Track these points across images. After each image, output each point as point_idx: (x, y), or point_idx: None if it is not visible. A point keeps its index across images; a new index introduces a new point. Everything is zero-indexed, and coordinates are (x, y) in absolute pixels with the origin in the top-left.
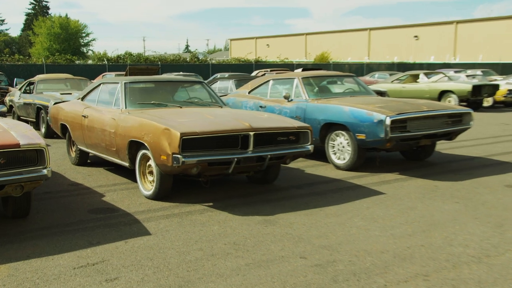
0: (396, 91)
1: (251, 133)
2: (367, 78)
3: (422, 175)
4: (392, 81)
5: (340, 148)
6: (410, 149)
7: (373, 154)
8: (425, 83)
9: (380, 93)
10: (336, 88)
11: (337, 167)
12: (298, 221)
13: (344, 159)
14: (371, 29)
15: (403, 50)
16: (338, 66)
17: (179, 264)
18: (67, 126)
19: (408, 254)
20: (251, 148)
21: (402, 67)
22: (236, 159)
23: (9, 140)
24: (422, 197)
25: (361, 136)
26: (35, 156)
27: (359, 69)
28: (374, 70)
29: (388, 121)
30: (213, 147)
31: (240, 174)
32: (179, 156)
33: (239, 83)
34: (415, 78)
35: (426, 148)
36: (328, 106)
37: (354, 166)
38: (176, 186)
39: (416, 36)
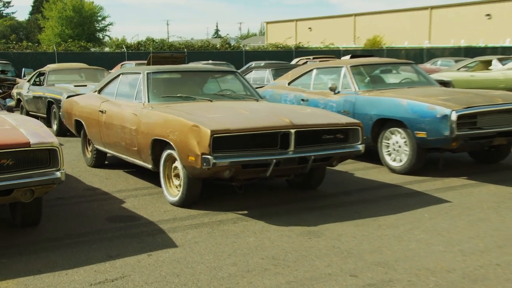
0: (463, 80)
1: (292, 131)
2: (427, 65)
3: (496, 181)
4: (458, 69)
5: (396, 148)
6: (481, 149)
7: (436, 155)
8: (499, 70)
9: (444, 83)
10: (391, 78)
11: (393, 170)
12: (347, 233)
13: (400, 161)
14: (432, 7)
15: (472, 31)
16: (393, 52)
17: (209, 282)
18: (82, 122)
19: (480, 275)
20: (292, 148)
21: (470, 52)
22: (274, 160)
23: (18, 139)
24: (496, 206)
25: (421, 134)
26: (47, 156)
27: (418, 55)
28: (436, 56)
29: (454, 116)
30: (248, 147)
31: (279, 178)
32: (209, 157)
33: (277, 73)
34: (487, 65)
35: (501, 149)
36: (381, 99)
37: (413, 169)
38: (205, 192)
39: (488, 15)
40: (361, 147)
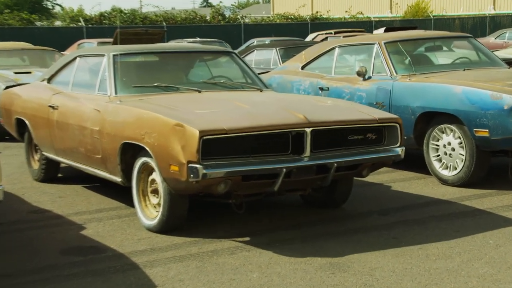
0: None
1: (308, 130)
2: (491, 39)
3: None
4: None
5: (448, 152)
6: None
7: (503, 161)
8: None
9: None
10: (440, 58)
11: (444, 181)
12: (383, 266)
13: (454, 168)
14: None
15: None
16: (443, 23)
17: None
18: (26, 122)
19: None
20: (307, 152)
21: None
22: (285, 169)
23: None
24: None
25: (483, 133)
26: None
27: (479, 26)
28: (503, 26)
29: None
30: (250, 152)
31: (291, 193)
32: (198, 166)
33: (287, 54)
34: None
35: None
36: (427, 86)
37: (471, 179)
38: (193, 213)
39: None
40: (400, 150)
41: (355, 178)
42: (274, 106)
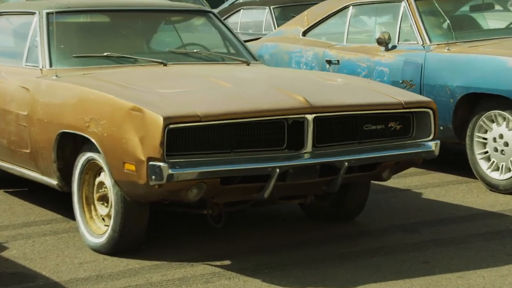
0: None
1: (309, 117)
2: None
3: None
4: None
5: (500, 147)
6: None
7: None
8: None
9: None
10: (491, 20)
11: (493, 186)
12: None
13: (508, 170)
14: None
15: None
16: None
17: None
18: None
19: None
20: (308, 147)
21: None
22: (278, 169)
23: None
24: None
25: None
26: None
27: None
28: None
29: None
30: (232, 146)
31: (287, 201)
32: (162, 164)
33: (284, 14)
34: None
35: None
36: (473, 59)
37: None
38: (156, 227)
39: None
40: (433, 145)
41: (372, 182)
42: (265, 84)
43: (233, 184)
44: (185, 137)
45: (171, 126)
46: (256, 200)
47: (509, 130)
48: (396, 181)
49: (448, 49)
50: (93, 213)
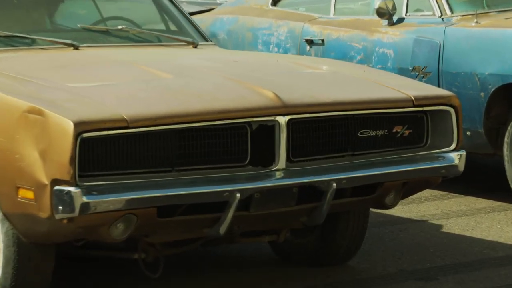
0: None
1: (282, 120)
2: None
3: None
4: None
5: None
6: None
7: None
8: None
9: None
10: None
11: None
12: None
13: None
14: None
15: None
16: None
17: None
18: None
19: None
20: (281, 162)
21: None
22: (239, 194)
23: None
24: None
25: None
26: None
27: None
28: None
29: None
30: (173, 163)
31: (253, 239)
32: (72, 189)
33: None
34: None
35: None
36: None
37: None
38: (64, 279)
39: None
40: (456, 158)
41: (372, 210)
42: (219, 75)
43: (175, 216)
44: (106, 151)
45: (86, 134)
46: (209, 238)
47: None
48: (406, 209)
49: (476, 22)
50: None
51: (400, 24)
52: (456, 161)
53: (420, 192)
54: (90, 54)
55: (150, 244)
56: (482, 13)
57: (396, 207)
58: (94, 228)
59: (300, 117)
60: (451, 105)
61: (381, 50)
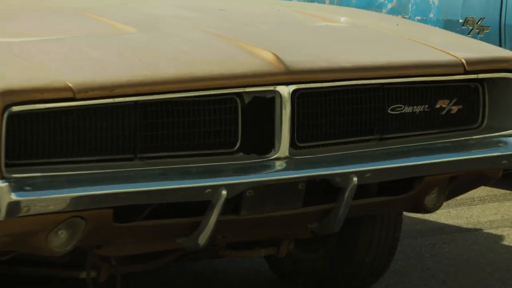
0: None
1: (284, 90)
2: None
3: None
4: None
5: None
6: None
7: None
8: None
9: None
10: None
11: None
12: None
13: None
14: None
15: None
16: None
17: None
18: None
19: None
20: (282, 147)
21: None
22: (224, 191)
23: None
24: None
25: None
26: None
27: None
28: None
29: None
30: (137, 148)
31: (244, 254)
32: None
33: None
34: None
35: None
36: None
37: None
38: None
39: None
40: None
41: (407, 215)
42: (200, 29)
43: (138, 220)
44: (44, 130)
45: (16, 108)
46: (184, 251)
47: None
48: (453, 214)
49: None
50: None
51: None
52: None
53: (472, 191)
54: None
55: (103, 259)
56: None
57: (439, 211)
58: (27, 236)
59: (309, 86)
60: None
61: None
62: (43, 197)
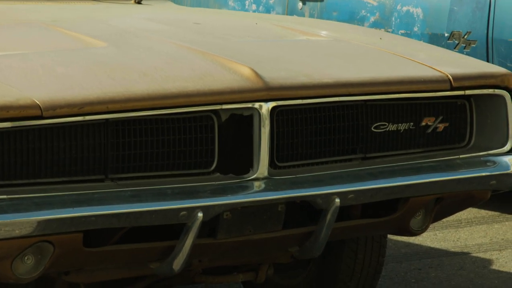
0: None
1: (264, 107)
2: None
3: None
4: None
5: None
6: None
7: None
8: None
9: None
10: None
11: None
12: None
13: None
14: None
15: None
16: None
17: None
18: None
19: None
20: (261, 167)
21: None
22: (200, 214)
23: None
24: None
25: None
26: None
27: None
28: None
29: None
30: (108, 169)
31: (221, 279)
32: None
33: None
34: None
35: None
36: None
37: None
38: None
39: None
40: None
41: (391, 238)
42: (173, 43)
43: (109, 245)
44: (8, 151)
45: None
46: (158, 278)
47: None
48: (440, 236)
49: None
50: None
51: None
52: None
53: (459, 213)
54: None
55: (72, 286)
56: None
57: (425, 234)
58: None
59: (289, 103)
60: (505, 88)
61: (404, 8)
62: (7, 220)
